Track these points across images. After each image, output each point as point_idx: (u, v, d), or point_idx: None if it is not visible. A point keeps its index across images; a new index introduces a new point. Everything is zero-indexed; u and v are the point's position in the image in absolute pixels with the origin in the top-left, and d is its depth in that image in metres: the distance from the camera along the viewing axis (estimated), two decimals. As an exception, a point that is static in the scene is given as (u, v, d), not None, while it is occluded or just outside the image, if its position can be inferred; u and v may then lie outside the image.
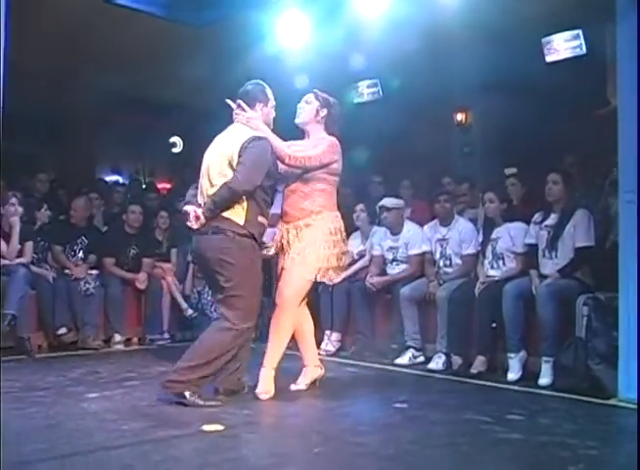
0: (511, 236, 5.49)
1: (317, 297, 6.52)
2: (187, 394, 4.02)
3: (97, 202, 7.71)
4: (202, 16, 6.74)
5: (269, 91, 4.39)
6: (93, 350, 6.31)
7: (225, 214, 4.10)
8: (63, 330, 6.35)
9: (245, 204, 4.12)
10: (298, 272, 4.38)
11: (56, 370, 5.26)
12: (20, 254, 6.17)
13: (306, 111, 4.56)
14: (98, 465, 3.05)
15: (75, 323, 6.49)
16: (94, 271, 6.81)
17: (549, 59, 6.72)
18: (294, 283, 4.39)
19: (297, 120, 4.59)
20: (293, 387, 4.53)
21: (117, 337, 6.64)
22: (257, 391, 4.29)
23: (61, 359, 5.90)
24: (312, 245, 4.39)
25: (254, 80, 4.44)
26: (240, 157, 4.08)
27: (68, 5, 6.60)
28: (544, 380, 4.83)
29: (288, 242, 4.48)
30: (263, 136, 4.21)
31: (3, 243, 6.06)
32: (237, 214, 4.11)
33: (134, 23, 6.92)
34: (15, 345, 5.88)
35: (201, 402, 4.02)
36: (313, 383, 4.66)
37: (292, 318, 4.46)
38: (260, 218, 4.23)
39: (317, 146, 4.46)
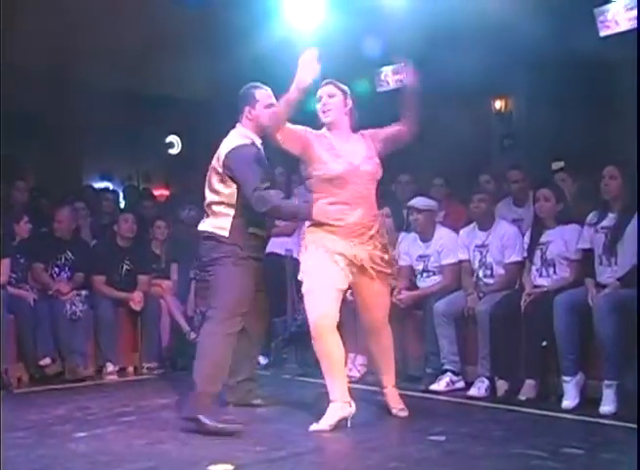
0: (564, 240, 5.44)
1: (339, 315, 6.52)
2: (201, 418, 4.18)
3: (84, 212, 7.75)
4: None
5: (261, 92, 4.77)
6: (81, 382, 6.29)
7: (214, 223, 4.65)
8: (46, 360, 6.32)
9: (232, 213, 4.59)
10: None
11: (38, 406, 5.26)
12: (-5, 273, 6.18)
13: (336, 106, 4.65)
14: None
15: (61, 352, 6.45)
16: (82, 291, 6.81)
17: (603, 33, 6.65)
18: (388, 303, 4.99)
19: (326, 120, 4.67)
20: (313, 427, 4.45)
21: (110, 366, 6.63)
22: None
23: (44, 394, 5.89)
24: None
25: (251, 83, 4.83)
26: (225, 170, 4.60)
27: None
28: (606, 408, 4.74)
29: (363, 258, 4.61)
30: (243, 144, 4.65)
31: (-26, 261, 6.07)
32: (222, 224, 4.60)
33: (123, 5, 6.96)
34: None
35: (220, 426, 4.20)
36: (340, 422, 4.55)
37: None
38: (252, 229, 4.65)
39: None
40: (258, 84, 4.86)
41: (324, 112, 4.62)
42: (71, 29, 7.37)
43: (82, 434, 4.38)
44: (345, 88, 4.70)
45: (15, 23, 6.38)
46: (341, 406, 4.51)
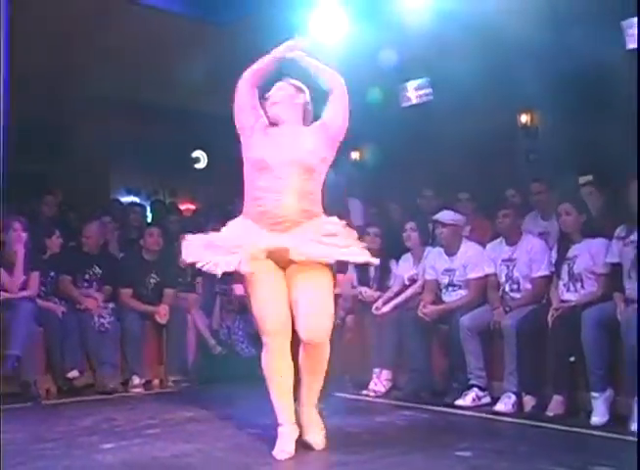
0: (591, 254, 5.36)
1: (364, 329, 6.50)
2: None
3: (112, 226, 7.77)
4: (226, 13, 6.78)
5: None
6: (108, 394, 6.29)
7: None
8: (74, 373, 6.34)
9: None
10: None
11: (66, 418, 5.26)
12: (24, 286, 6.21)
13: (283, 98, 4.43)
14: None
15: (89, 364, 6.49)
16: (109, 304, 6.82)
17: (631, 46, 6.56)
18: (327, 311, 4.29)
19: (271, 111, 4.42)
20: (279, 456, 4.08)
21: (136, 379, 6.63)
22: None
23: (71, 406, 5.89)
24: None
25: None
26: None
27: (76, 7, 6.70)
28: (636, 425, 4.62)
29: None
30: None
31: (5, 274, 6.09)
32: None
33: (151, 22, 6.99)
34: (19, 390, 5.91)
35: None
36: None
37: None
38: None
39: None
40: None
41: (270, 103, 4.40)
42: (99, 45, 7.41)
43: (109, 445, 4.36)
44: (300, 85, 4.49)
45: (39, 35, 6.41)
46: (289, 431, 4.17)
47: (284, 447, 4.05)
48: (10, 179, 5.98)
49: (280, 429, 4.12)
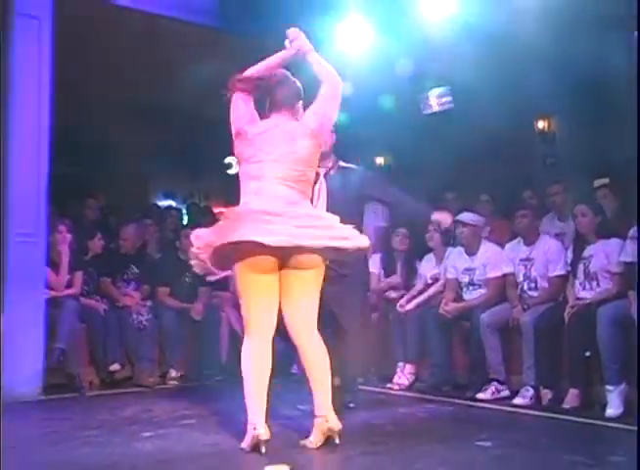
0: (606, 253, 5.36)
1: (388, 325, 6.54)
2: None
3: (152, 228, 7.85)
4: (256, 26, 6.82)
5: None
6: (146, 387, 6.38)
7: None
8: (115, 366, 6.44)
9: None
10: None
11: (107, 408, 5.32)
12: (69, 285, 6.32)
13: None
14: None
15: (128, 358, 6.58)
16: (147, 302, 6.90)
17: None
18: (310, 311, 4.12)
19: None
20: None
21: (173, 372, 6.71)
22: None
23: (113, 397, 5.99)
24: None
25: None
26: None
27: (113, 22, 6.78)
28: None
29: None
30: None
31: (51, 273, 6.20)
32: None
33: (188, 36, 7.05)
34: (65, 381, 6.03)
35: None
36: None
37: None
38: None
39: None
40: None
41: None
42: (145, 60, 7.49)
43: (147, 434, 4.41)
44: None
45: (75, 41, 6.51)
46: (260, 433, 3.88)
47: (249, 446, 3.87)
48: (55, 181, 6.08)
49: (249, 427, 3.89)
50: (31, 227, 5.94)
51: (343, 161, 5.28)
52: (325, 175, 5.12)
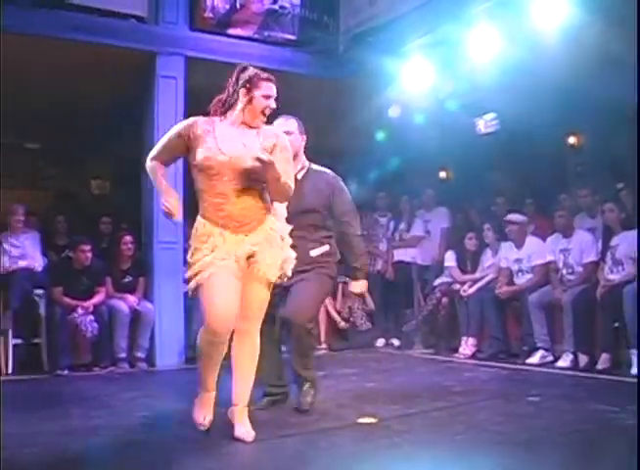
0: (629, 243, 5.31)
1: (454, 307, 6.61)
2: None
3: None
4: (342, 71, 6.89)
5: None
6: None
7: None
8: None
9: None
10: None
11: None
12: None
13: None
14: (276, 450, 3.21)
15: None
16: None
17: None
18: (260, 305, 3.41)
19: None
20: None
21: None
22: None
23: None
24: None
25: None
26: None
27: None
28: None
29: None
30: None
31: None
32: None
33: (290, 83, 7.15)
34: None
35: None
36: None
37: None
38: None
39: None
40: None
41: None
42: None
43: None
44: None
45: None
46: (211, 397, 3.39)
47: (207, 414, 3.37)
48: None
49: (205, 395, 3.36)
50: (172, 236, 6.09)
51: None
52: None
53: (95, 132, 7.76)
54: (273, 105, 3.31)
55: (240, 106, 3.27)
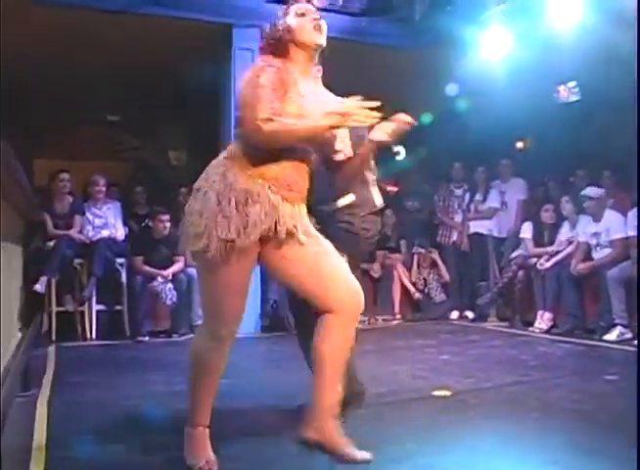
0: None
1: (530, 281, 6.50)
2: None
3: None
4: (418, 39, 6.79)
5: None
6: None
7: None
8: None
9: None
10: None
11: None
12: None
13: None
14: (350, 420, 3.25)
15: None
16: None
17: None
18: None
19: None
20: None
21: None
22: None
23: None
24: None
25: None
26: None
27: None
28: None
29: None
30: None
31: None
32: None
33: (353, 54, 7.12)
34: (276, 323, 6.24)
35: None
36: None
37: None
38: None
39: None
40: None
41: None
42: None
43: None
44: None
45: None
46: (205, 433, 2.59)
47: (201, 453, 2.54)
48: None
49: (195, 431, 2.57)
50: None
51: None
52: None
53: (172, 104, 7.91)
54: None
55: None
